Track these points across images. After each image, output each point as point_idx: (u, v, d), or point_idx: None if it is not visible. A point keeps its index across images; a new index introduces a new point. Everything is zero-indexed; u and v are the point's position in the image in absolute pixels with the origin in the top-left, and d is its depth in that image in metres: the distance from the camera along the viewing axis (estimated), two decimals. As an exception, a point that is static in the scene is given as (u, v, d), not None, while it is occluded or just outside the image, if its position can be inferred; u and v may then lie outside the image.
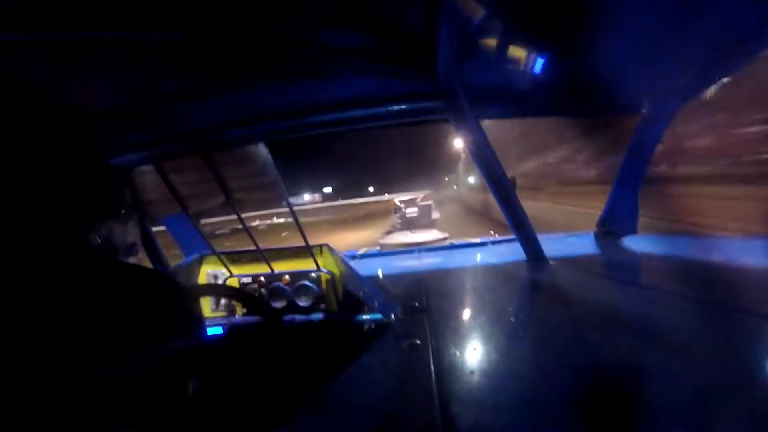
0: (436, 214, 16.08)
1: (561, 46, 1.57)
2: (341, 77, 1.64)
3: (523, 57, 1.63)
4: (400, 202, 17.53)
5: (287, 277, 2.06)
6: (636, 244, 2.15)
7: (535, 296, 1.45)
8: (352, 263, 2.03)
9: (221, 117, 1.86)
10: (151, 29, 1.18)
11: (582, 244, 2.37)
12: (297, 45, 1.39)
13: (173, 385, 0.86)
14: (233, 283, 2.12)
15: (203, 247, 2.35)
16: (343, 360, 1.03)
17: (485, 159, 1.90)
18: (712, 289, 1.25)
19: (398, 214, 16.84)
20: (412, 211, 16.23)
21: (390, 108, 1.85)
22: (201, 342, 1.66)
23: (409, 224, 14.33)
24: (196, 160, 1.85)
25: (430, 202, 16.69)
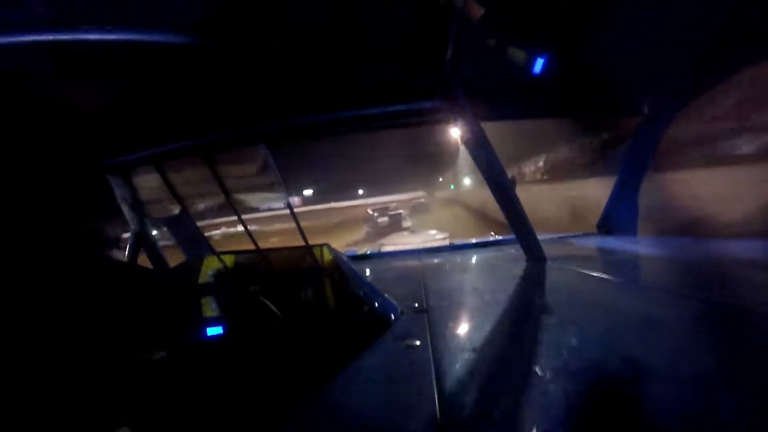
0: (406, 223, 16.54)
1: (562, 47, 1.57)
2: (342, 78, 1.64)
3: (523, 58, 1.63)
4: (373, 210, 17.86)
5: (287, 277, 2.06)
6: (635, 244, 2.15)
7: (534, 296, 1.45)
8: (352, 263, 2.03)
9: (222, 117, 1.86)
10: (151, 30, 1.18)
11: (582, 244, 2.37)
12: (299, 47, 1.39)
13: (173, 385, 0.86)
14: (233, 282, 2.12)
15: (203, 247, 2.34)
16: (343, 360, 1.03)
17: (485, 159, 1.90)
18: (709, 288, 1.25)
19: (370, 223, 17.05)
20: (383, 220, 16.72)
21: (392, 108, 1.85)
22: (201, 342, 1.66)
23: (380, 233, 14.58)
24: (196, 160, 1.85)
25: (400, 211, 17.57)
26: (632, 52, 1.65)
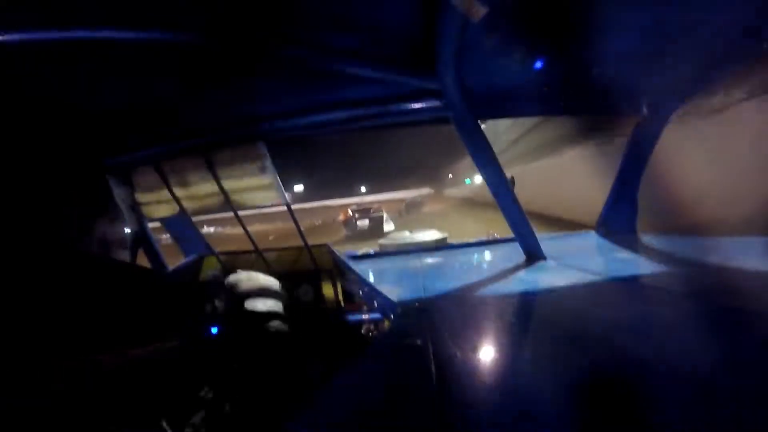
0: (389, 226, 14.83)
1: (560, 46, 1.57)
2: (342, 78, 1.64)
3: (522, 57, 1.64)
4: (353, 212, 16.23)
5: (287, 277, 2.06)
6: (635, 243, 2.15)
7: (534, 296, 1.45)
8: (352, 263, 2.03)
9: (221, 117, 1.86)
10: (151, 30, 1.18)
11: (581, 244, 2.38)
12: (298, 47, 1.39)
13: (174, 385, 0.86)
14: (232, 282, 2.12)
15: (203, 247, 2.35)
16: (343, 360, 1.03)
17: (485, 159, 1.90)
18: (710, 289, 1.25)
19: (349, 227, 15.54)
20: (362, 224, 15.18)
21: (390, 108, 1.86)
22: (201, 342, 1.66)
23: (360, 236, 13.45)
24: (196, 160, 1.85)
25: (382, 213, 15.80)
26: (631, 52, 1.65)
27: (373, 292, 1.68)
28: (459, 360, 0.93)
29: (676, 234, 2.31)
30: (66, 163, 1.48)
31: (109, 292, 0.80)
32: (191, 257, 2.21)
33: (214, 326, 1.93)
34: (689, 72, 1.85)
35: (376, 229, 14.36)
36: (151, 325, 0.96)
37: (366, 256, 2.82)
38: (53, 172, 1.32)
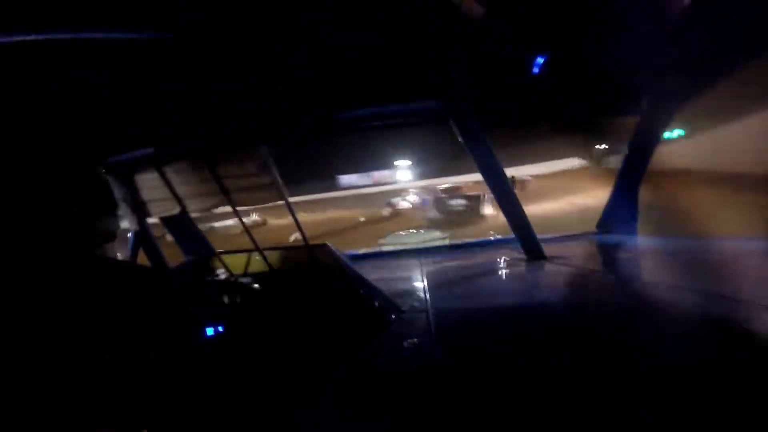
0: (487, 209, 11.19)
1: (561, 49, 1.57)
2: (342, 78, 1.64)
3: (523, 59, 1.63)
4: (443, 191, 12.24)
5: (288, 276, 2.06)
6: (635, 243, 2.15)
7: (535, 295, 1.45)
8: (353, 263, 2.03)
9: (221, 117, 1.86)
10: (151, 30, 1.18)
11: (582, 243, 2.37)
12: (297, 44, 1.39)
13: (173, 384, 0.86)
14: (234, 281, 2.12)
15: (204, 246, 2.35)
16: (343, 360, 1.03)
17: (485, 159, 1.90)
18: (708, 289, 1.25)
19: (438, 208, 11.62)
20: (457, 203, 11.20)
21: (390, 108, 1.86)
22: (201, 342, 1.66)
23: (451, 219, 10.27)
24: (196, 160, 1.85)
25: (479, 192, 11.40)
26: (631, 54, 1.65)
27: (374, 291, 1.68)
28: (460, 358, 0.93)
29: (676, 236, 2.31)
30: (66, 162, 1.48)
31: (109, 292, 0.80)
32: (192, 257, 2.22)
33: (213, 326, 1.93)
34: (691, 72, 1.84)
35: (472, 211, 11.07)
36: (151, 325, 0.96)
37: (367, 256, 2.82)
38: (53, 172, 1.33)
